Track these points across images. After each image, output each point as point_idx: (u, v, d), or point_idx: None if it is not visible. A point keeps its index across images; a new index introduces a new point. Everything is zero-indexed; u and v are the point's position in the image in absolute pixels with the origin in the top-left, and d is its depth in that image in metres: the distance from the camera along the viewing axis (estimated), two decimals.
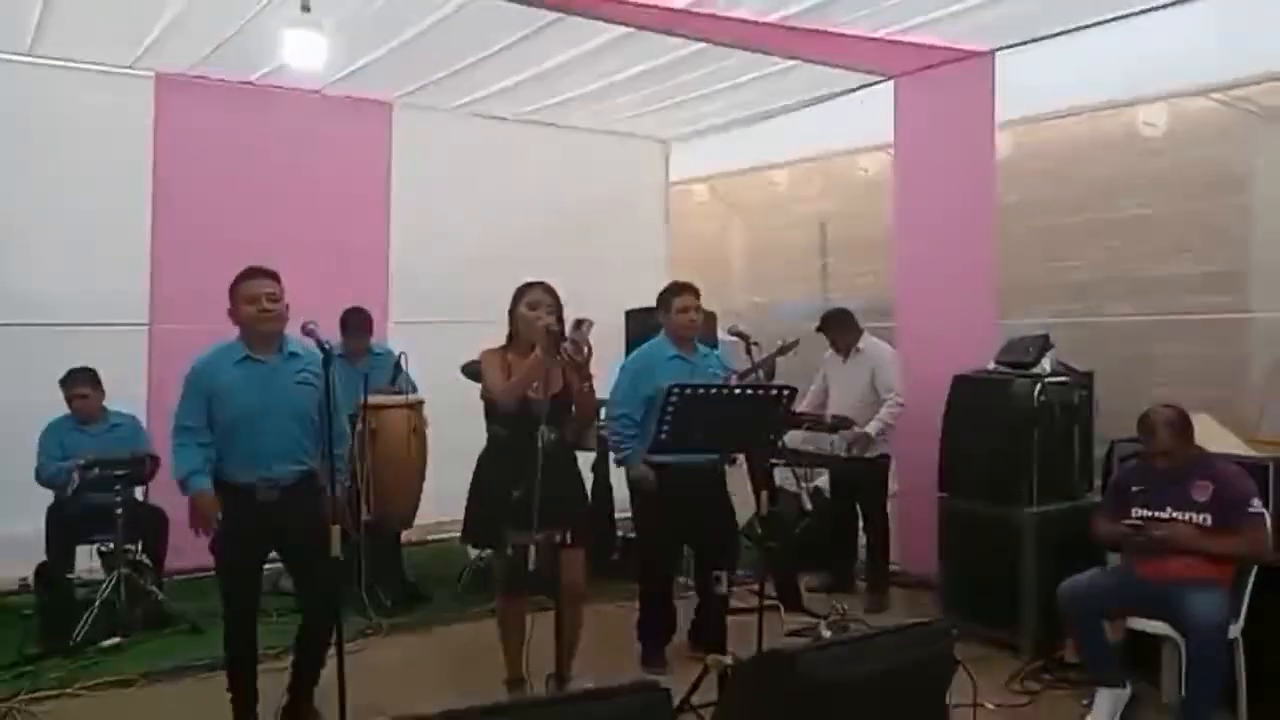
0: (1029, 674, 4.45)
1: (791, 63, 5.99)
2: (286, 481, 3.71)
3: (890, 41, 5.32)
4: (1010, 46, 5.49)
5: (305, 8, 4.62)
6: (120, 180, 5.92)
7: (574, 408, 4.06)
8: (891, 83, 6.17)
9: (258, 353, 3.72)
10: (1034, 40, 5.36)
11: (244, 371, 3.69)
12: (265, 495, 3.67)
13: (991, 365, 5.10)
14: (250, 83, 6.26)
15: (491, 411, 4.05)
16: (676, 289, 4.68)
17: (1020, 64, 5.52)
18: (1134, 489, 4.12)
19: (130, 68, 5.91)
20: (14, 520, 4.71)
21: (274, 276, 3.74)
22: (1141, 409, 4.15)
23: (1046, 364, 4.94)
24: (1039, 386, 4.78)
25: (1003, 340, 5.26)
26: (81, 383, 5.31)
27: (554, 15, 5.13)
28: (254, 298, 3.67)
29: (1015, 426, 4.77)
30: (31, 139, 5.70)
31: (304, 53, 4.94)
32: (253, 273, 3.73)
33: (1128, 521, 4.06)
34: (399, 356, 5.76)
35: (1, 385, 5.25)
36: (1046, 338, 5.04)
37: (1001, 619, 4.72)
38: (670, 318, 4.64)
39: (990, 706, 3.97)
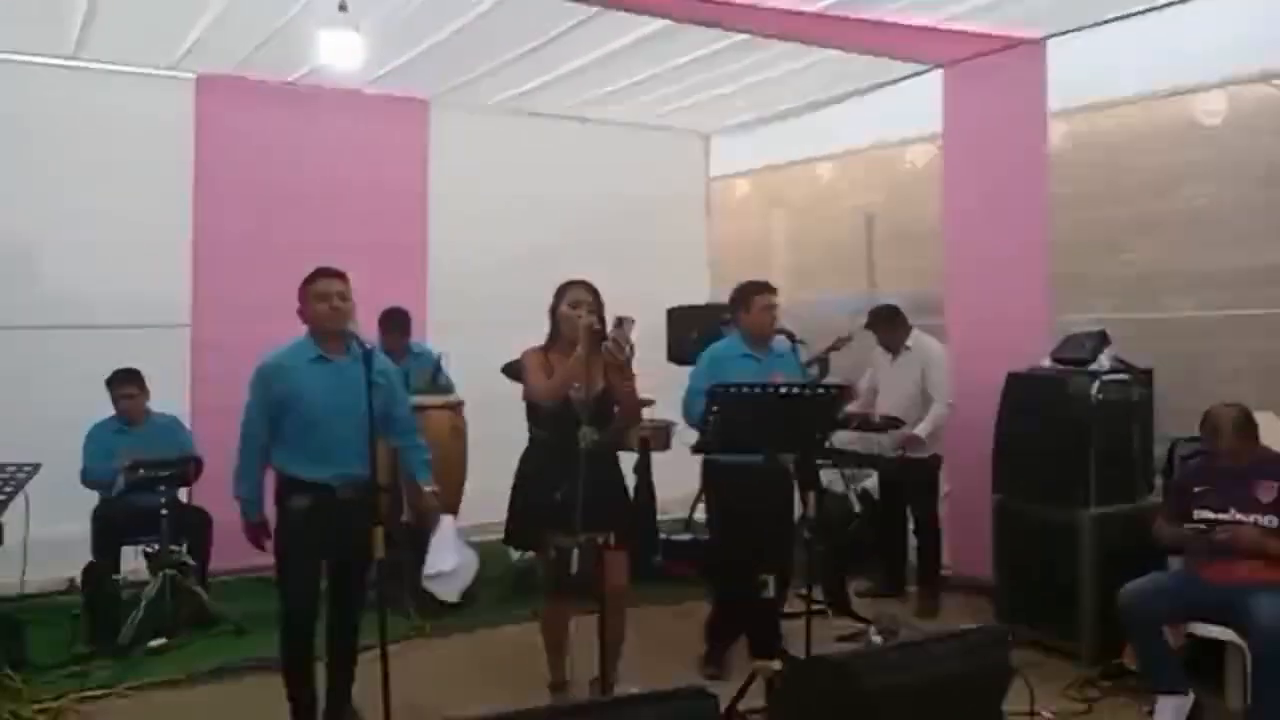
0: (1087, 681, 4.32)
1: (836, 53, 5.87)
2: (350, 480, 3.68)
3: (938, 30, 5.20)
4: (1062, 33, 5.34)
5: (342, 7, 4.61)
6: (162, 181, 5.97)
7: (617, 407, 4.01)
8: (940, 72, 6.04)
9: (328, 352, 3.74)
10: (1087, 26, 5.21)
11: (317, 371, 3.71)
12: (344, 494, 3.67)
13: (1047, 362, 4.97)
14: (290, 83, 6.29)
15: (533, 412, 4.02)
16: (756, 286, 4.56)
17: (1072, 51, 5.38)
18: (1196, 490, 4.02)
19: (171, 69, 5.97)
20: (61, 521, 4.77)
21: (343, 276, 3.76)
22: (1203, 407, 4.05)
23: (1104, 360, 4.80)
24: (1097, 384, 4.65)
25: (1056, 336, 5.13)
26: (127, 383, 5.36)
27: (593, 9, 5.07)
28: (325, 295, 3.69)
29: (1073, 425, 4.63)
30: (75, 142, 5.76)
31: (341, 53, 4.94)
32: (323, 273, 3.76)
33: (1190, 524, 3.95)
34: (439, 356, 5.75)
35: (47, 387, 5.31)
36: (1104, 333, 4.90)
37: (1058, 624, 4.59)
38: (750, 315, 4.53)
39: (1047, 714, 3.86)
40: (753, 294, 4.55)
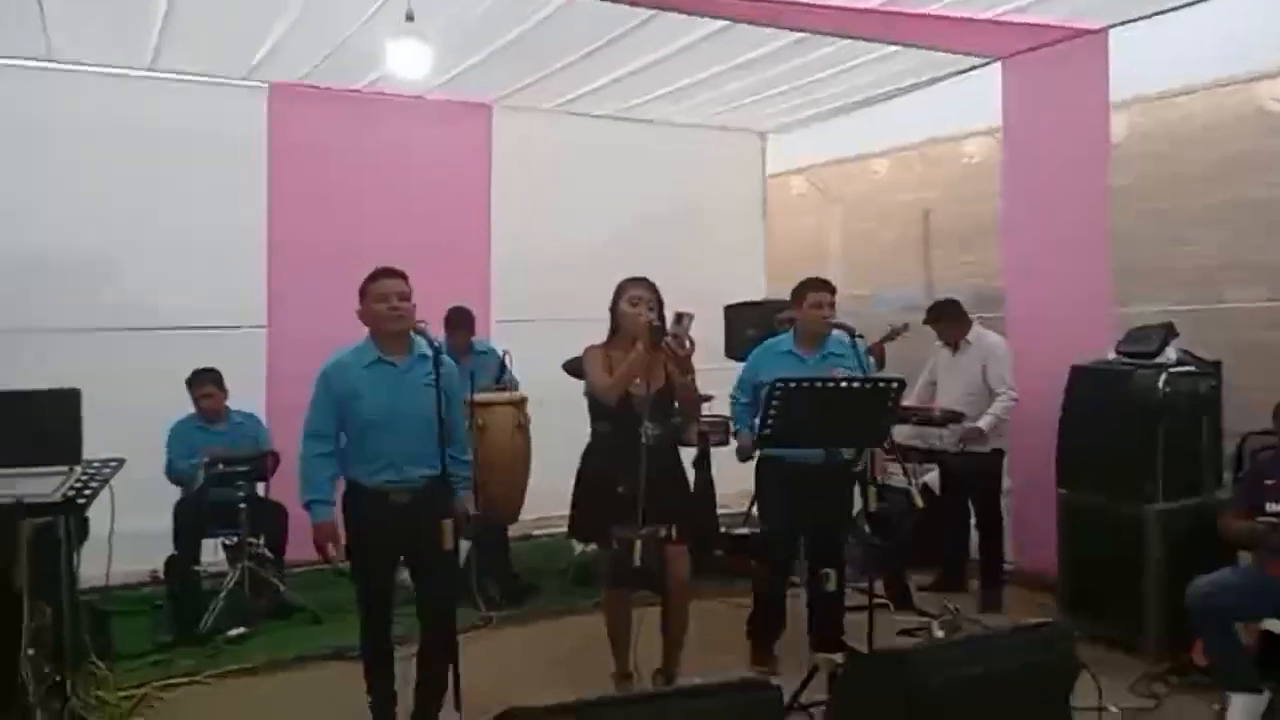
0: (1155, 677, 4.28)
1: (893, 48, 5.86)
2: (418, 485, 3.66)
3: (998, 23, 5.16)
4: (1125, 23, 5.26)
5: (409, 16, 4.71)
6: (238, 187, 6.16)
7: (676, 402, 4.07)
8: (998, 64, 5.98)
9: (388, 354, 3.68)
10: (1150, 15, 5.12)
11: (375, 374, 3.66)
12: (397, 498, 3.65)
13: (1112, 355, 4.92)
14: (357, 90, 6.44)
15: (595, 407, 4.08)
16: (810, 284, 4.54)
17: (1135, 40, 5.29)
18: (1268, 483, 3.93)
19: (245, 79, 6.15)
20: (145, 515, 4.92)
21: (404, 276, 3.70)
22: (1274, 400, 3.97)
23: (1171, 353, 4.73)
24: (1164, 377, 4.59)
25: (1119, 328, 5.07)
26: (207, 382, 5.54)
27: (650, 12, 5.13)
28: (385, 296, 3.63)
29: (1139, 419, 4.58)
30: (155, 151, 5.95)
31: (407, 61, 5.04)
32: (384, 272, 3.70)
33: (1261, 518, 3.87)
34: (503, 354, 5.85)
35: (130, 387, 5.47)
36: (1170, 326, 4.83)
37: (1125, 620, 4.55)
38: (801, 311, 4.54)
39: (1114, 710, 3.82)
40: (806, 290, 4.55)
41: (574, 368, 4.86)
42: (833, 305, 4.52)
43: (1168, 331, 4.82)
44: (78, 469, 3.83)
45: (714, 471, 6.13)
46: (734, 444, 4.84)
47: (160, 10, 5.01)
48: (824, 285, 4.54)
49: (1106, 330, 5.14)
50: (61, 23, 5.17)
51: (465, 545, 3.67)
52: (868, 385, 4.00)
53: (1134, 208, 5.51)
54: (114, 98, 5.89)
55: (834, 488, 4.47)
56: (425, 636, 3.80)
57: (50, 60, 5.65)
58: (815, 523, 4.46)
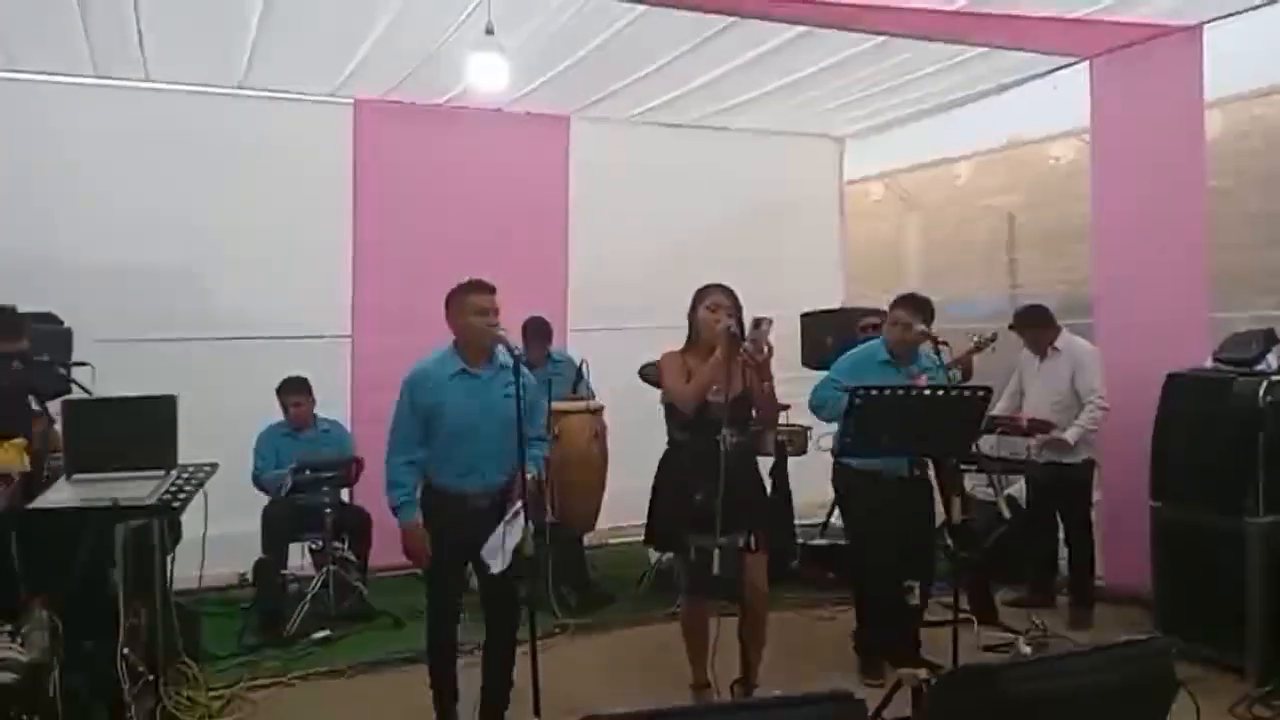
0: (1257, 699, 4.09)
1: (975, 51, 5.74)
2: (496, 490, 3.77)
3: (1086, 21, 5.02)
4: (1220, 18, 5.08)
5: (489, 30, 4.78)
6: (324, 201, 6.32)
7: (755, 410, 4.03)
8: (1086, 64, 5.81)
9: (472, 365, 3.78)
10: (1247, 10, 4.94)
11: (460, 384, 3.76)
12: (478, 502, 3.75)
13: (1209, 363, 4.74)
14: (439, 105, 6.56)
15: (672, 414, 4.07)
16: (897, 301, 4.59)
17: (1231, 36, 5.12)
18: None
19: (332, 96, 6.31)
20: (233, 520, 5.06)
21: (494, 290, 3.79)
22: None
23: (1272, 360, 4.54)
24: (1265, 385, 4.39)
25: (1215, 335, 4.89)
26: (296, 391, 5.70)
27: (728, 20, 5.12)
28: (483, 310, 3.72)
29: (1239, 429, 4.40)
30: (245, 166, 6.15)
31: (488, 74, 5.10)
32: (479, 286, 3.78)
33: None
34: (581, 363, 5.89)
35: (221, 394, 5.66)
36: (1272, 331, 4.64)
37: (1224, 638, 4.36)
38: (886, 329, 4.59)
39: None
40: (892, 307, 4.58)
41: (651, 374, 4.87)
42: (908, 326, 4.47)
43: (1268, 337, 4.63)
44: (173, 473, 3.95)
45: (791, 481, 6.07)
46: (813, 451, 4.78)
47: (251, 32, 5.18)
48: (906, 304, 4.53)
49: (1203, 337, 4.97)
50: (158, 46, 5.38)
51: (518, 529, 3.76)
52: (952, 394, 3.92)
53: (1230, 209, 5.33)
54: (205, 115, 6.10)
55: (916, 498, 4.38)
56: (490, 635, 3.93)
57: (147, 80, 5.87)
58: (898, 534, 4.38)
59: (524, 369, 3.69)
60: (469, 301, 3.74)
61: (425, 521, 3.81)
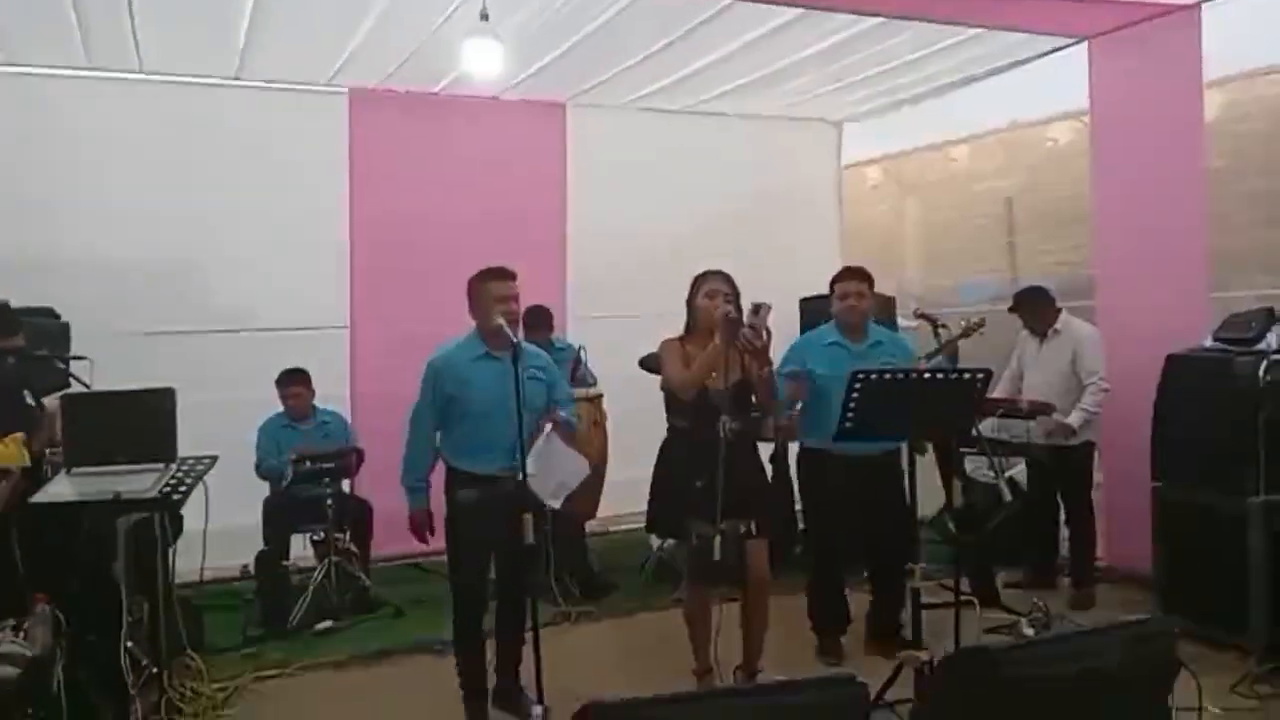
0: (1259, 677, 4.09)
1: (970, 33, 5.71)
2: (518, 469, 3.78)
3: (1083, 1, 4.99)
4: None
5: (484, 16, 4.76)
6: (320, 192, 6.30)
7: (754, 395, 4.03)
8: (1084, 45, 5.78)
9: (495, 350, 3.85)
10: None
11: (484, 368, 3.85)
12: (506, 484, 3.78)
13: (1209, 342, 4.72)
14: (434, 93, 6.53)
15: (672, 402, 4.06)
16: (840, 274, 4.60)
17: (1229, 16, 5.10)
18: None
19: (326, 85, 6.28)
20: (235, 511, 5.06)
21: (515, 276, 3.90)
22: None
23: (1272, 339, 4.52)
24: (1265, 364, 4.38)
25: (1216, 315, 4.87)
26: (295, 382, 5.70)
27: (724, 3, 5.09)
28: (504, 298, 3.82)
29: (1239, 408, 4.38)
30: (240, 157, 6.12)
31: (483, 60, 5.09)
32: (501, 273, 3.88)
33: None
34: (579, 350, 5.88)
35: (220, 387, 5.66)
36: (1271, 311, 4.61)
37: (1226, 617, 4.36)
38: (834, 303, 4.58)
39: (1216, 710, 3.67)
40: (836, 281, 4.58)
41: (650, 364, 4.86)
42: (862, 294, 4.48)
43: (1269, 316, 4.60)
44: (173, 466, 3.94)
45: (791, 467, 6.06)
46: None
47: (245, 22, 5.15)
48: (853, 274, 4.54)
49: (1203, 317, 4.96)
50: (152, 37, 5.35)
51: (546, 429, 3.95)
52: (952, 376, 3.91)
53: (1230, 189, 5.31)
54: (200, 106, 6.07)
55: (884, 479, 4.40)
56: (504, 606, 4.05)
57: (141, 72, 5.84)
58: (874, 516, 4.41)
59: (540, 350, 3.86)
60: (492, 289, 3.84)
61: (450, 508, 3.92)
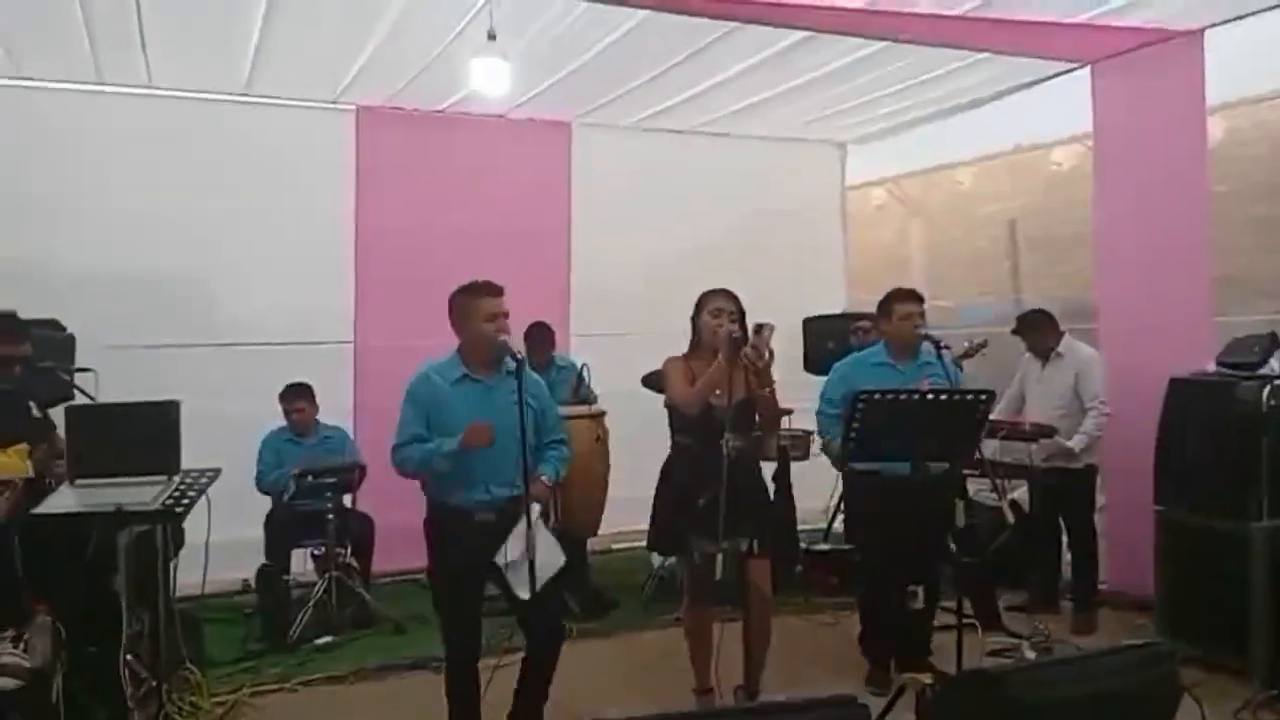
0: (1261, 703, 4.08)
1: (974, 57, 5.75)
2: (502, 504, 3.58)
3: (1088, 26, 5.02)
4: (1221, 23, 5.08)
5: (491, 35, 4.79)
6: (327, 207, 6.34)
7: (757, 414, 4.03)
8: (1088, 69, 5.81)
9: (476, 371, 3.62)
10: (1248, 15, 4.94)
11: (463, 391, 3.60)
12: (483, 517, 3.56)
13: (1212, 367, 4.72)
14: (440, 111, 6.57)
15: (675, 419, 4.07)
16: (901, 296, 4.52)
17: (1233, 41, 5.12)
18: None
19: (334, 102, 6.33)
20: (236, 526, 5.06)
21: (502, 292, 3.63)
22: None
23: (1275, 364, 4.53)
24: (1268, 389, 4.38)
25: (1219, 339, 4.87)
26: (298, 397, 5.71)
27: (730, 25, 5.13)
28: (493, 315, 3.55)
29: (1242, 433, 4.38)
30: (247, 173, 6.16)
31: (490, 80, 5.12)
32: (489, 288, 3.60)
33: None
34: (581, 368, 5.89)
35: (224, 400, 5.67)
36: (1274, 335, 4.62)
37: (1228, 643, 4.35)
38: (891, 324, 4.51)
39: None
40: (894, 302, 4.51)
41: (652, 382, 4.87)
42: (922, 315, 4.46)
43: (1272, 341, 4.61)
44: (176, 479, 3.94)
45: (794, 486, 6.06)
46: (815, 456, 4.77)
47: (254, 38, 5.19)
48: (911, 296, 4.49)
49: (1206, 341, 4.96)
50: (162, 52, 5.39)
51: (536, 508, 3.54)
52: (954, 398, 3.91)
53: (1233, 214, 5.32)
54: (208, 121, 6.11)
55: (923, 502, 4.34)
56: (533, 649, 3.72)
57: (150, 87, 5.89)
58: (904, 537, 4.32)
59: (529, 372, 3.60)
60: (477, 306, 3.57)
61: (430, 543, 3.66)
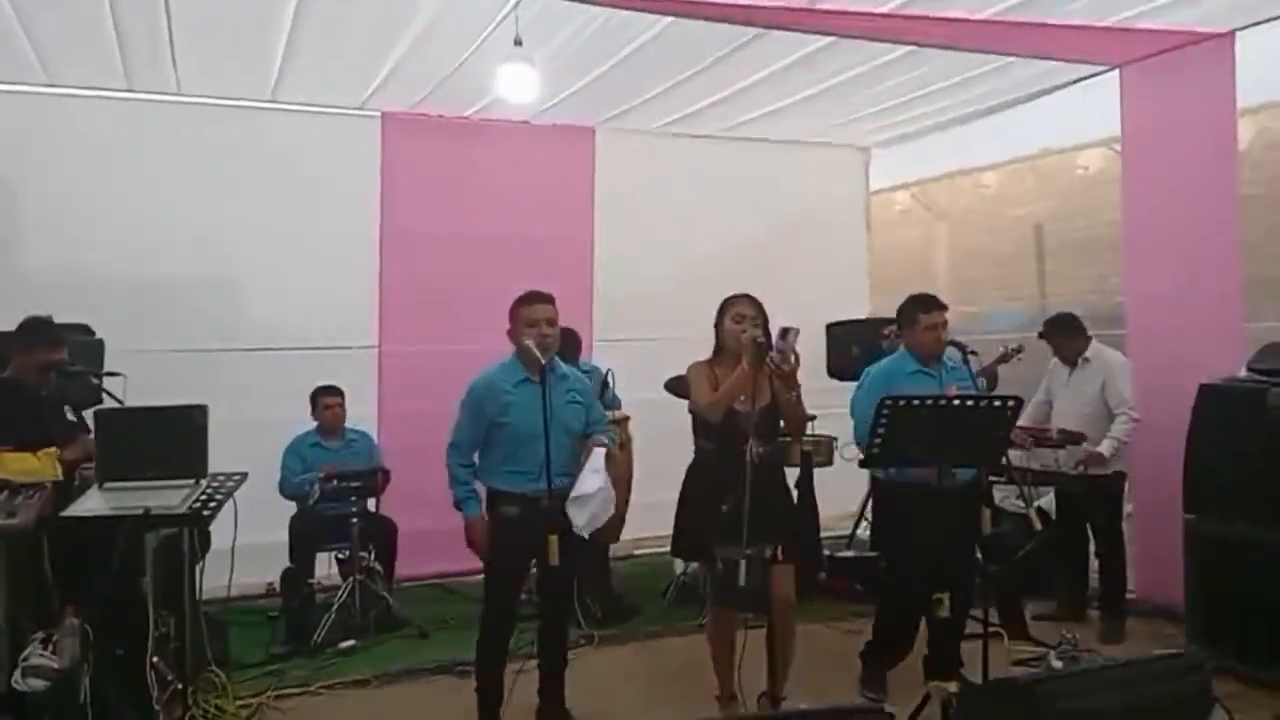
0: None
1: (1004, 60, 5.71)
2: (560, 492, 3.82)
3: (1116, 30, 4.97)
4: (1252, 25, 5.03)
5: (517, 42, 4.81)
6: (352, 212, 6.38)
7: (782, 420, 4.01)
8: (1116, 73, 5.76)
9: (534, 374, 3.88)
10: (1278, 17, 4.87)
11: (524, 392, 3.89)
12: (542, 504, 3.78)
13: (1243, 373, 4.66)
14: (465, 117, 6.60)
15: (699, 425, 4.05)
16: (924, 303, 4.41)
17: (1264, 44, 5.05)
18: None
19: (359, 109, 6.36)
20: (262, 530, 5.06)
21: (552, 300, 3.95)
22: None
23: None
24: None
25: (1251, 345, 4.81)
26: (332, 394, 5.77)
27: (754, 31, 5.12)
28: (535, 322, 3.87)
29: (1273, 440, 4.33)
30: (274, 179, 6.21)
31: (517, 86, 5.13)
32: (536, 297, 3.94)
33: None
34: (606, 373, 5.89)
35: (251, 404, 5.71)
36: None
37: (1260, 652, 4.28)
38: (916, 334, 4.40)
39: None
40: (919, 311, 4.40)
41: (675, 387, 4.86)
42: (945, 323, 4.40)
43: None
44: (203, 482, 3.96)
45: (817, 492, 6.03)
46: (841, 461, 4.70)
47: (281, 46, 5.23)
48: (935, 303, 4.40)
49: (1237, 347, 4.90)
50: (190, 60, 5.45)
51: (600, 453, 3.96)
52: (982, 404, 3.87)
53: (1264, 217, 5.25)
54: (235, 128, 6.17)
55: (952, 509, 4.28)
56: (545, 626, 4.04)
57: (179, 94, 5.95)
58: (935, 546, 4.22)
59: (580, 374, 3.93)
60: (523, 313, 3.91)
61: (491, 523, 3.92)
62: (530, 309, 3.91)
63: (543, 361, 3.75)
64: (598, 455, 3.90)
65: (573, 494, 3.82)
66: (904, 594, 4.46)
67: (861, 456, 4.34)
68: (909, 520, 4.31)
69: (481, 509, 3.96)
